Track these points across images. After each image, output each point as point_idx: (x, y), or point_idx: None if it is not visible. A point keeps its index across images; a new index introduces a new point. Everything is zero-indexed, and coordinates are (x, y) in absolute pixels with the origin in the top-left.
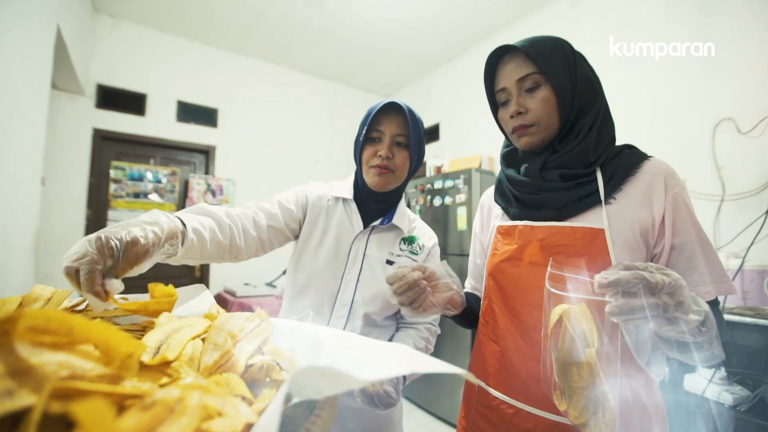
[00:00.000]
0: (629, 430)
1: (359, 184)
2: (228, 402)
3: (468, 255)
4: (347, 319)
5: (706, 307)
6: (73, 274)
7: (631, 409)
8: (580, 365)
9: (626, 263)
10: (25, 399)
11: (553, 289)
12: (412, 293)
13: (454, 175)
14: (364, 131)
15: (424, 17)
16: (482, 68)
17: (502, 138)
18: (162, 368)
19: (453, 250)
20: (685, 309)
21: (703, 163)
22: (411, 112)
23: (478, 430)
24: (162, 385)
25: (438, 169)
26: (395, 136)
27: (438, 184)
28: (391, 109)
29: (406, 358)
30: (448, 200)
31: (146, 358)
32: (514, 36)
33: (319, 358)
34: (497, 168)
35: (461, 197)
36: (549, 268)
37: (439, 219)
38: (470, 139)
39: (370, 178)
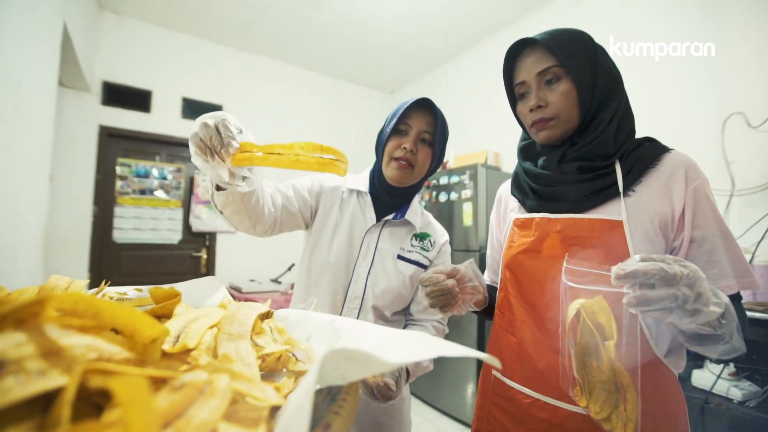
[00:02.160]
0: (651, 423)
1: (376, 177)
2: (255, 386)
3: (474, 251)
4: (359, 312)
5: (726, 300)
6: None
7: (651, 402)
8: (599, 359)
9: (643, 255)
10: (57, 379)
11: (570, 283)
12: (444, 299)
13: (459, 171)
14: (392, 123)
15: (426, 15)
16: (485, 65)
17: (506, 134)
18: (181, 356)
19: (459, 246)
20: (705, 301)
21: (712, 158)
22: (441, 112)
23: (494, 420)
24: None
25: (443, 165)
26: (422, 132)
27: (443, 180)
28: (422, 105)
29: (429, 342)
30: (453, 196)
31: (167, 347)
32: (516, 34)
33: (337, 346)
34: (503, 163)
35: (467, 193)
36: (565, 263)
37: (445, 215)
38: (472, 137)
39: (390, 171)
